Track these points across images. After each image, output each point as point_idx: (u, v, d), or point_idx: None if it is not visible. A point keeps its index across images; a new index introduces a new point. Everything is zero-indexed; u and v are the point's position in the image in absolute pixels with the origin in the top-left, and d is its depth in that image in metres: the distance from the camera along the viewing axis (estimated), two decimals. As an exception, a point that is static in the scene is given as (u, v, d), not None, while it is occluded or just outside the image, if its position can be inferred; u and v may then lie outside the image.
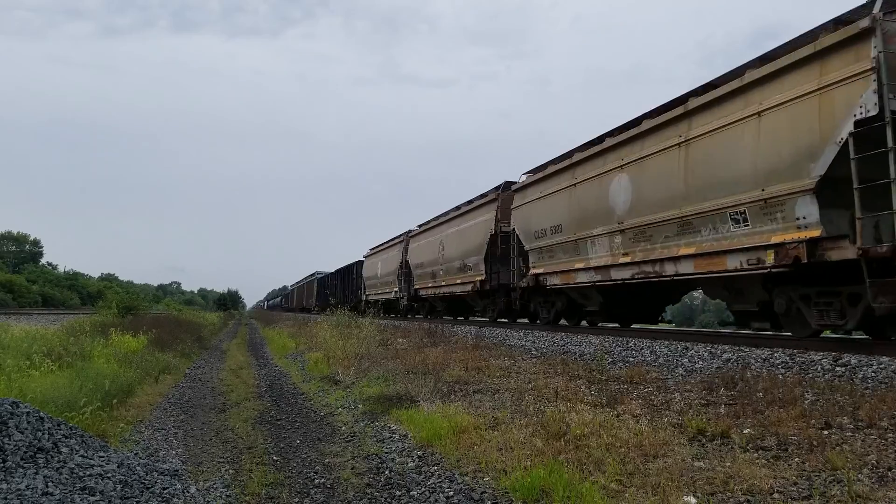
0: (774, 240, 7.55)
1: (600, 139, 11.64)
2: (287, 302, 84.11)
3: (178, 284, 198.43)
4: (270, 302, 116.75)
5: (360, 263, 35.50)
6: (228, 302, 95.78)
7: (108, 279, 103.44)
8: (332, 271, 45.21)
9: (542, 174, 13.57)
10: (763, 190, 7.64)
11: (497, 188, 16.77)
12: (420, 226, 24.53)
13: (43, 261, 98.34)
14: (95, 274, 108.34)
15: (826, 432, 4.30)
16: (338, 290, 41.23)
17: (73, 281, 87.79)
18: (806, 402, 5.13)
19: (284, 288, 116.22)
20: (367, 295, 32.47)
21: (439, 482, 4.38)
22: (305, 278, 63.69)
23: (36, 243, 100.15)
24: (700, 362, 7.74)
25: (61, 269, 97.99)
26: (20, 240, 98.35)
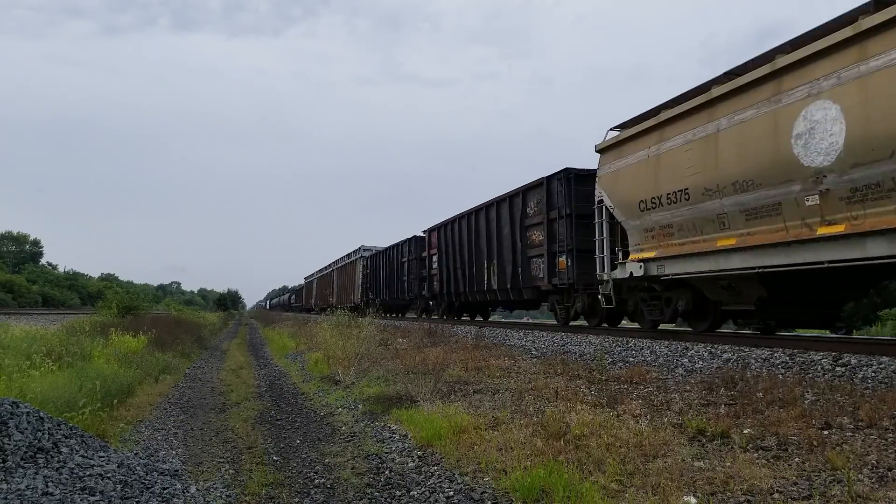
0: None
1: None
2: (300, 299, 68.64)
3: (178, 284, 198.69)
4: (273, 301, 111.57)
5: (565, 179, 13.30)
6: (228, 302, 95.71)
7: (108, 279, 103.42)
8: (418, 234, 24.97)
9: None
10: None
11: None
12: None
13: (43, 261, 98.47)
14: (95, 274, 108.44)
15: (826, 432, 4.30)
16: (432, 269, 22.00)
17: (73, 281, 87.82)
18: (806, 402, 5.13)
19: (284, 288, 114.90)
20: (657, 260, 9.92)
21: (439, 482, 4.38)
22: (336, 262, 43.19)
23: (36, 243, 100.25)
24: (700, 362, 7.74)
25: (61, 269, 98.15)
26: (20, 240, 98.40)
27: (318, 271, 54.84)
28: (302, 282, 72.35)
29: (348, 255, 39.47)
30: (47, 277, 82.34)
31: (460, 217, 19.68)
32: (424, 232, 24.20)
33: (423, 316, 25.27)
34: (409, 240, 26.29)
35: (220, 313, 63.20)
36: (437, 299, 23.11)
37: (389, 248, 29.61)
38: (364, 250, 35.29)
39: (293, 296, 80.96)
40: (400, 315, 30.90)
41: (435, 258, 22.23)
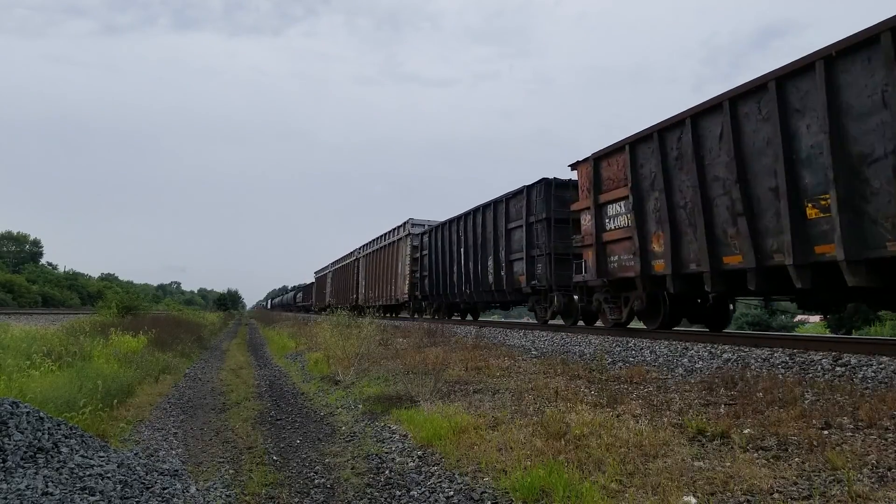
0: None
1: None
2: (308, 298, 60.95)
3: (178, 284, 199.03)
4: (276, 300, 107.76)
5: None
6: (228, 302, 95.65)
7: (108, 279, 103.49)
8: (550, 177, 14.41)
9: None
10: None
11: None
12: None
13: (43, 261, 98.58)
14: (95, 274, 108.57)
15: (826, 432, 4.30)
16: (605, 230, 11.08)
17: (73, 281, 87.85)
18: (806, 402, 5.13)
19: (285, 288, 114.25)
20: None
21: (439, 482, 4.38)
22: (365, 247, 33.08)
23: (36, 243, 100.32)
24: (700, 362, 7.74)
25: (61, 269, 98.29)
26: (20, 240, 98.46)
27: (335, 263, 44.40)
28: (311, 278, 62.75)
29: (385, 236, 28.66)
30: (47, 277, 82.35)
31: (736, 98, 8.26)
32: (577, 165, 12.16)
33: (557, 321, 15.30)
34: (530, 188, 14.76)
35: (219, 313, 63.16)
36: (635, 288, 10.81)
37: (472, 211, 18.46)
38: (413, 225, 24.68)
39: (299, 294, 72.37)
40: (464, 317, 21.40)
41: (617, 208, 10.95)
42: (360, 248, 35.17)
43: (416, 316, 24.53)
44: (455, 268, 20.13)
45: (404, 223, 25.83)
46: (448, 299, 21.22)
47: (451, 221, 20.59)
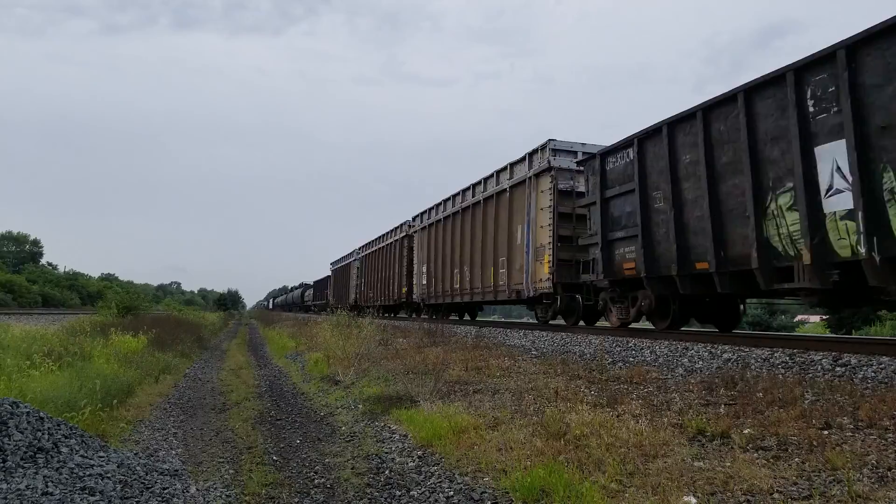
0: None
1: None
2: (320, 295, 51.70)
3: (178, 284, 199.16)
4: (278, 299, 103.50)
5: None
6: (228, 302, 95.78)
7: (108, 279, 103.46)
8: None
9: None
10: None
11: None
12: None
13: (43, 261, 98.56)
14: (95, 274, 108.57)
15: (826, 432, 4.29)
16: None
17: (73, 281, 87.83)
18: (806, 402, 5.12)
19: (285, 288, 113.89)
20: None
21: (439, 482, 4.37)
22: (430, 212, 22.12)
23: (36, 243, 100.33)
24: (700, 362, 7.73)
25: (61, 269, 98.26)
26: (20, 240, 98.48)
27: (364, 247, 33.34)
28: (313, 277, 55.99)
29: (480, 185, 17.51)
30: (47, 277, 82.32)
31: None
32: None
33: None
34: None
35: (220, 313, 63.18)
36: None
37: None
38: (557, 152, 13.55)
39: (308, 291, 61.67)
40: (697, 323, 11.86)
41: None
42: (414, 219, 24.16)
43: (555, 320, 14.49)
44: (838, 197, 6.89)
45: (535, 151, 14.28)
46: (736, 286, 8.69)
47: (757, 89, 7.78)
